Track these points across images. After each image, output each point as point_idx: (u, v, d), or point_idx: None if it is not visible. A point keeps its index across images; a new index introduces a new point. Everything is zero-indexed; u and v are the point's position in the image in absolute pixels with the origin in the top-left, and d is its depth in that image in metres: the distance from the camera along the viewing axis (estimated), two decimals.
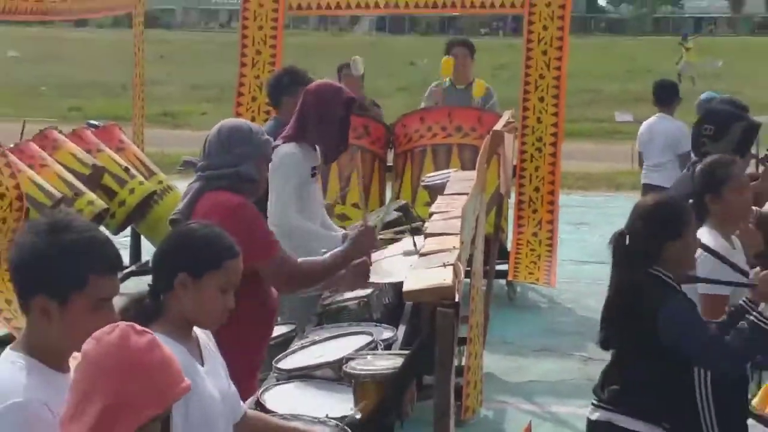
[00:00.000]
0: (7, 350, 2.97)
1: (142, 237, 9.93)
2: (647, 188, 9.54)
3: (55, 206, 7.75)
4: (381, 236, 5.79)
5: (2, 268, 7.40)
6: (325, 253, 5.20)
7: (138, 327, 2.59)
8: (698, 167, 5.33)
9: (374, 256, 5.33)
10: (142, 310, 3.25)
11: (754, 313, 4.31)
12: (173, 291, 3.36)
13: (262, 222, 4.81)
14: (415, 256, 4.67)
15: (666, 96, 10.23)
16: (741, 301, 4.46)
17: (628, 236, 4.46)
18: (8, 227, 7.33)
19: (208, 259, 3.41)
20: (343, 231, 6.12)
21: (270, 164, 5.01)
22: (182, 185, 5.86)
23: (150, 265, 3.66)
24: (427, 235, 4.61)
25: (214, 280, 3.39)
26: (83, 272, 2.85)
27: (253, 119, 9.32)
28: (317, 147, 6.10)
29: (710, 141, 6.54)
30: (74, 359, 2.70)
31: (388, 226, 6.12)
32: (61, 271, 2.84)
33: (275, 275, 4.67)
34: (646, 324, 4.34)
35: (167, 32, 60.59)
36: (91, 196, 8.44)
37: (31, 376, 2.80)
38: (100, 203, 8.52)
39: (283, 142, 5.85)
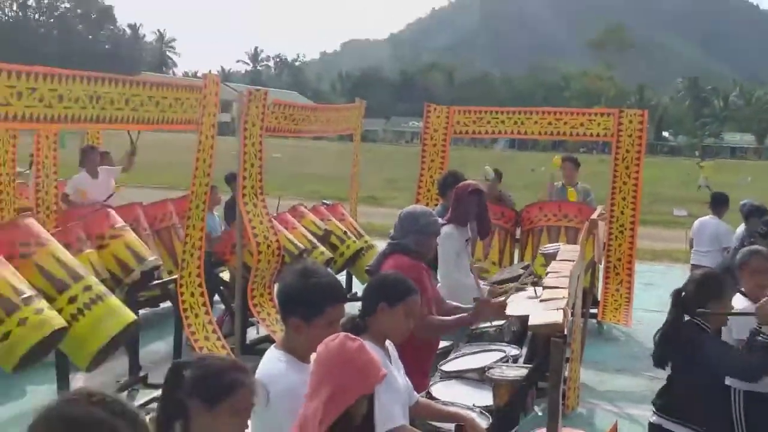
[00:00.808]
0: (272, 348, 3.06)
1: (354, 277, 10.04)
2: (694, 267, 9.16)
3: (300, 255, 7.91)
4: (513, 285, 5.74)
5: (266, 292, 7.56)
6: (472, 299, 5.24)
7: (351, 336, 2.61)
8: (739, 252, 5.12)
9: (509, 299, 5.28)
10: (354, 326, 3.26)
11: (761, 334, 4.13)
12: (375, 314, 3.39)
13: (421, 283, 4.70)
14: (536, 300, 4.57)
15: (718, 204, 9.78)
16: (751, 328, 4.23)
17: (683, 293, 4.31)
18: (272, 267, 7.50)
19: (398, 294, 3.43)
20: (483, 284, 6.08)
21: (438, 238, 4.98)
22: (381, 245, 5.91)
23: (359, 296, 3.68)
24: (544, 287, 4.51)
25: (402, 309, 3.41)
26: (323, 304, 2.93)
27: (427, 204, 9.40)
28: (468, 225, 6.13)
29: (760, 237, 6.31)
30: (313, 356, 2.73)
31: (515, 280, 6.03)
32: (308, 303, 2.93)
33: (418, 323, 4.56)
34: (688, 359, 4.17)
35: (372, 144, 61.76)
36: (323, 248, 8.58)
37: (289, 366, 2.90)
38: (328, 254, 8.65)
39: (446, 223, 5.86)
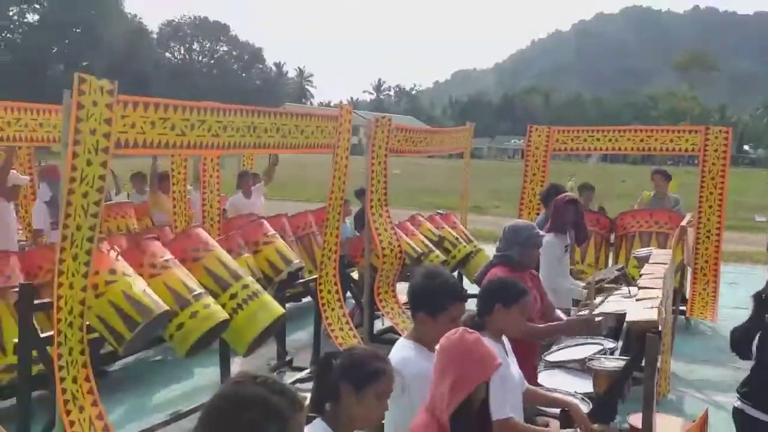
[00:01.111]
0: (402, 339, 3.07)
1: (464, 277, 9.94)
2: None
3: (418, 258, 7.91)
4: (608, 285, 5.56)
5: (390, 289, 7.61)
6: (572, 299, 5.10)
7: (469, 330, 2.58)
8: None
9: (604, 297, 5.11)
10: (474, 323, 3.23)
11: None
12: (492, 314, 3.35)
13: None
14: (632, 299, 4.40)
15: None
16: None
17: (764, 295, 4.07)
18: (395, 268, 7.54)
19: (513, 296, 3.38)
20: (581, 284, 5.89)
21: (541, 248, 4.80)
22: (488, 248, 5.82)
23: (468, 294, 3.59)
24: (639, 288, 4.34)
25: (517, 309, 3.36)
26: (445, 302, 2.92)
27: (528, 214, 9.25)
28: (567, 232, 5.97)
29: None
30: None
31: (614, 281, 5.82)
32: (432, 301, 2.92)
33: None
34: None
35: (478, 161, 61.09)
36: (437, 252, 8.51)
37: (418, 354, 2.92)
38: (442, 257, 8.57)
39: (547, 232, 5.71)
